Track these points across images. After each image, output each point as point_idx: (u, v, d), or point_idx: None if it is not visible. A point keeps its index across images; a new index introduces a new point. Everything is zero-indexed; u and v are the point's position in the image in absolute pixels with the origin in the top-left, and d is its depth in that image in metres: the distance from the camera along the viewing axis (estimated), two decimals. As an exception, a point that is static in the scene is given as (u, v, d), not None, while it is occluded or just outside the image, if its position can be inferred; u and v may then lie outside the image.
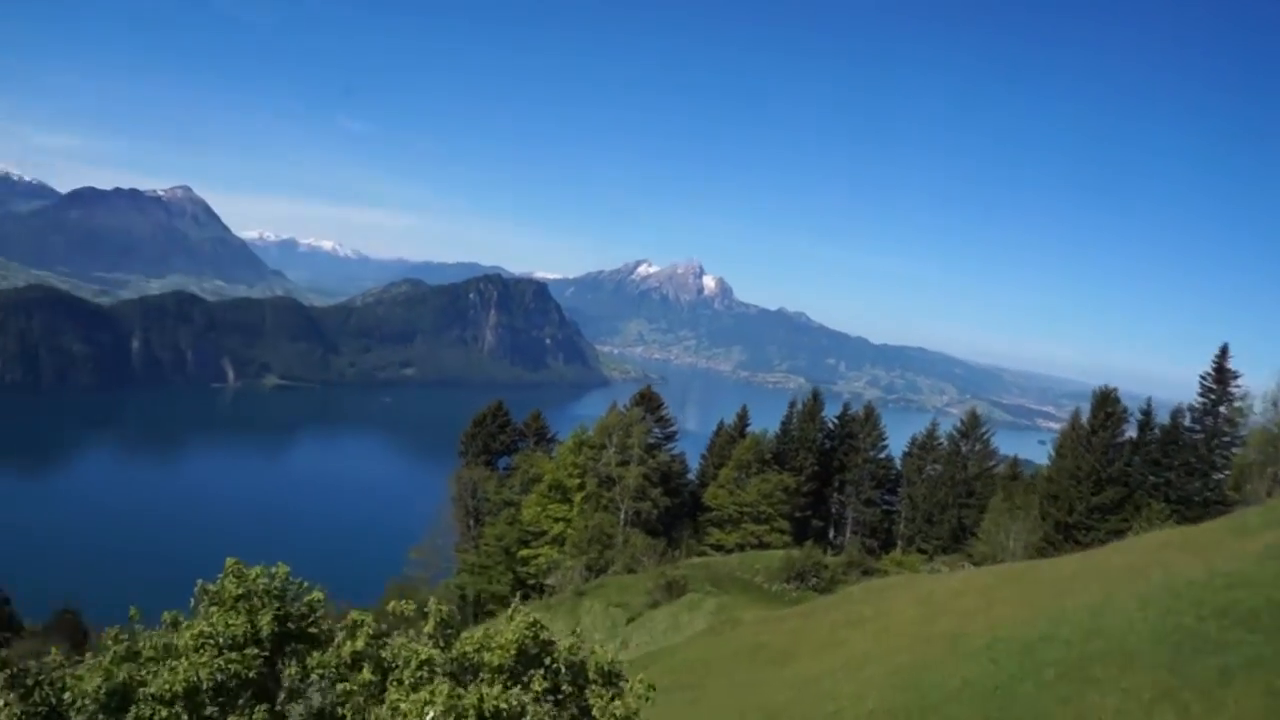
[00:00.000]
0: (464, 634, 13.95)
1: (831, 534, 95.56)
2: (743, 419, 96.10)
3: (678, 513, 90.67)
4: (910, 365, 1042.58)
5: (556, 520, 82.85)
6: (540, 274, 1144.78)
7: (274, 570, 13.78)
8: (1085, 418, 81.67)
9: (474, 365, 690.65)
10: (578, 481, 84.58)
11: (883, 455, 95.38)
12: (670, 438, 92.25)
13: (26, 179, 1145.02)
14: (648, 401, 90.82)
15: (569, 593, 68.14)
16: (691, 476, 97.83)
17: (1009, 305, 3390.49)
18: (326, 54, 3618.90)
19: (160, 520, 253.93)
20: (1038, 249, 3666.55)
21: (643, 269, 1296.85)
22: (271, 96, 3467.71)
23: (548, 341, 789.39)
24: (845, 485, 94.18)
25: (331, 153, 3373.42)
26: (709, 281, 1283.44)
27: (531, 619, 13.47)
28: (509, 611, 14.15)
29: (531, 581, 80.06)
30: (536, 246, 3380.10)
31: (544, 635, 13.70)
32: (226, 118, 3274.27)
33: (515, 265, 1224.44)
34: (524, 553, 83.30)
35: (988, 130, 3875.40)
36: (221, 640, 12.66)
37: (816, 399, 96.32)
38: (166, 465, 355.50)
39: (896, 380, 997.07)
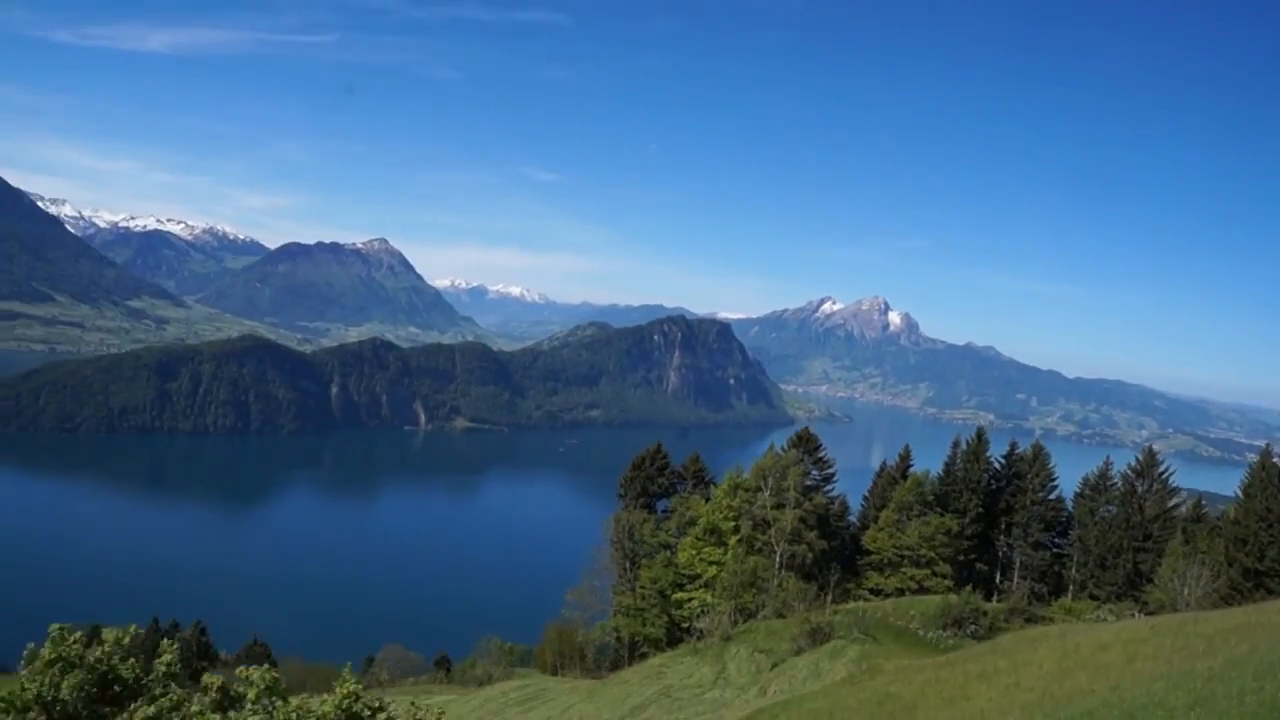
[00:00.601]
0: (283, 704, 13.80)
1: (998, 578, 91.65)
2: (905, 459, 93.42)
3: (836, 556, 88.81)
4: (1106, 399, 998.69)
5: (711, 563, 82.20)
6: (724, 314, 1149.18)
7: (123, 631, 13.99)
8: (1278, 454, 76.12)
9: (658, 406, 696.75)
10: (732, 524, 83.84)
11: (1053, 496, 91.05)
12: (828, 479, 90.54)
13: (240, 237, 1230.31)
14: (805, 443, 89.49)
15: (717, 637, 67.38)
16: (854, 519, 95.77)
17: (1218, 333, 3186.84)
18: (513, 107, 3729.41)
19: (350, 557, 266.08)
20: (1249, 271, 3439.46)
21: (826, 306, 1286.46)
22: (464, 150, 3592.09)
23: (731, 381, 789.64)
24: (1012, 528, 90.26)
25: (520, 202, 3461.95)
26: (894, 317, 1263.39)
27: (349, 689, 13.29)
28: (339, 679, 13.97)
29: (685, 625, 79.61)
30: (720, 287, 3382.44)
31: (363, 705, 13.49)
32: (421, 172, 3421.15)
33: (699, 306, 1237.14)
34: (678, 596, 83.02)
35: (1194, 156, 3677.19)
36: (16, 702, 12.98)
37: (981, 438, 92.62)
38: (358, 506, 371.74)
39: (1091, 415, 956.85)
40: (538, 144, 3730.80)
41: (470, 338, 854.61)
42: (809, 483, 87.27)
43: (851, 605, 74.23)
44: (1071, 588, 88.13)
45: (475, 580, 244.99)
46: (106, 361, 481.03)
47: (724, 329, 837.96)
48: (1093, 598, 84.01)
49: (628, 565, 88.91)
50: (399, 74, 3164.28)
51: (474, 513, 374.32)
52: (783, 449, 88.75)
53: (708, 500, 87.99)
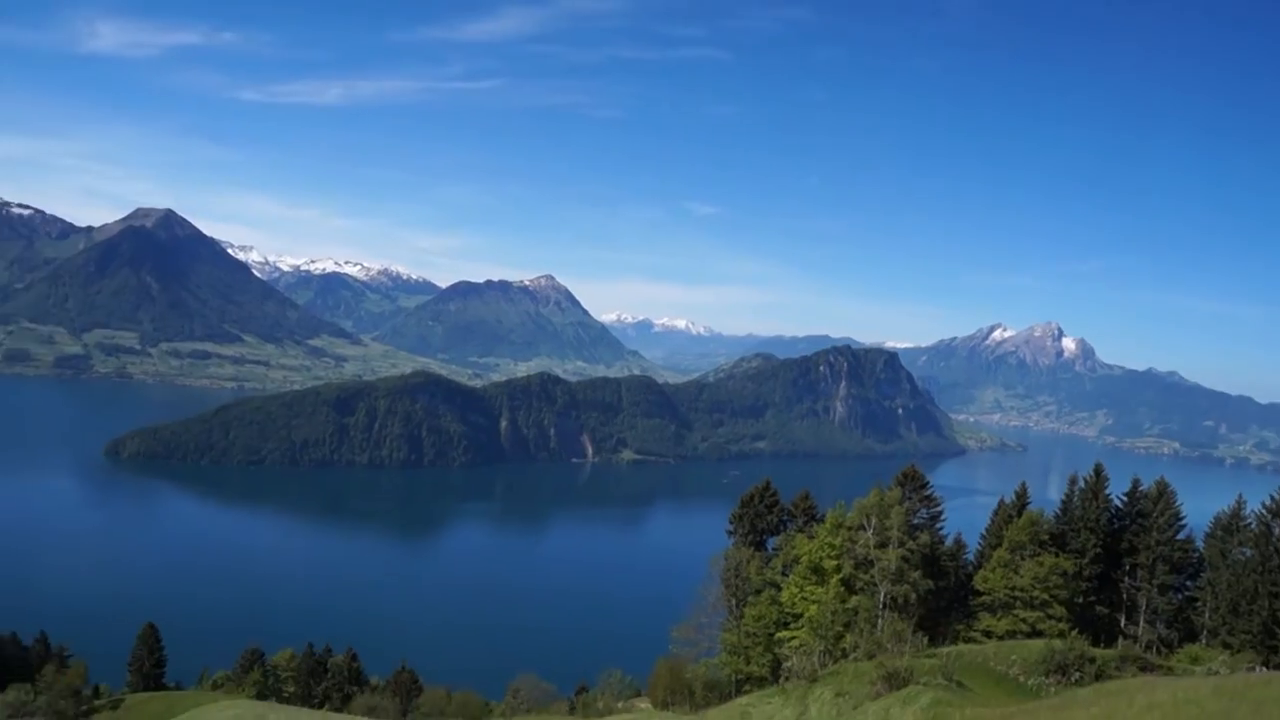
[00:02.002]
0: None
1: (1123, 622, 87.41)
2: (1021, 496, 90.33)
3: (952, 596, 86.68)
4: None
5: (813, 602, 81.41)
6: (891, 343, 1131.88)
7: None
8: None
9: (824, 437, 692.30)
10: (835, 563, 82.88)
11: (1181, 535, 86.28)
12: (935, 518, 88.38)
13: (413, 277, 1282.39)
14: (911, 481, 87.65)
15: (805, 678, 66.60)
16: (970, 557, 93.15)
17: None
18: (675, 144, 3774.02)
19: (507, 587, 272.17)
20: None
21: (997, 334, 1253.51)
22: (626, 187, 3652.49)
23: (899, 411, 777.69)
24: (1136, 569, 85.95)
25: (682, 237, 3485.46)
26: (1069, 343, 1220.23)
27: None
28: None
29: (788, 664, 78.96)
30: (886, 315, 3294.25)
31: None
32: (586, 210, 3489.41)
33: (865, 335, 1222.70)
34: (781, 634, 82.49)
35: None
36: None
37: (1099, 475, 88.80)
38: (522, 537, 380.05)
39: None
40: (700, 179, 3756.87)
41: (636, 371, 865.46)
42: (917, 521, 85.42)
43: (951, 648, 72.28)
44: (1205, 634, 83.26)
45: (627, 611, 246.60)
46: (289, 398, 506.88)
47: (891, 358, 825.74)
48: (1225, 645, 79.23)
49: (734, 603, 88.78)
50: (564, 115, 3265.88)
51: (635, 545, 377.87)
52: (888, 487, 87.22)
53: (810, 538, 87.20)
